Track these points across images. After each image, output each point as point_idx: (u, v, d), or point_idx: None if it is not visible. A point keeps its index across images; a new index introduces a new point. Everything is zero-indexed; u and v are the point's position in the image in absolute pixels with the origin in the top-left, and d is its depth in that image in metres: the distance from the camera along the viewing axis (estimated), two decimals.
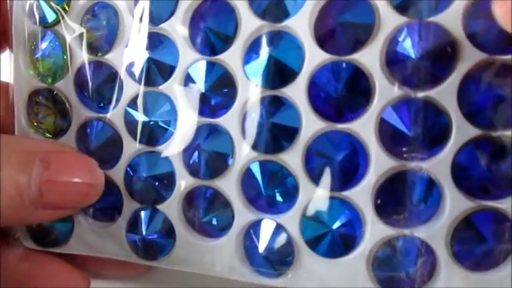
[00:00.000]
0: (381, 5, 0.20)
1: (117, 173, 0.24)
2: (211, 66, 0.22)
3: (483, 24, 0.19)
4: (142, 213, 0.24)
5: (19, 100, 0.25)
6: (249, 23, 0.21)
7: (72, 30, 0.24)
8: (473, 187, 0.20)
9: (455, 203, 0.20)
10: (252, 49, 0.22)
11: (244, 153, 0.22)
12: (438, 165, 0.20)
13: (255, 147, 0.22)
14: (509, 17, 0.17)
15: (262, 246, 0.22)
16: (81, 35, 0.24)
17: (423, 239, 0.20)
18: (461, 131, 0.19)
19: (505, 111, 0.19)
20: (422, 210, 0.20)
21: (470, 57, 0.19)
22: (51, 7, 0.24)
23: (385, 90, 0.20)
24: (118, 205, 0.25)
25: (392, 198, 0.21)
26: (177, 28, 0.23)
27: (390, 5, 0.20)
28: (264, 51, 0.21)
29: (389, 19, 0.20)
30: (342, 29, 0.20)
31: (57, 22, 0.25)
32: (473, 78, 0.19)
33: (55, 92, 0.25)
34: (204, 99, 0.23)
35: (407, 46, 0.19)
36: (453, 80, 0.19)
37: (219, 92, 0.22)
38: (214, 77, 0.22)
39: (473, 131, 0.19)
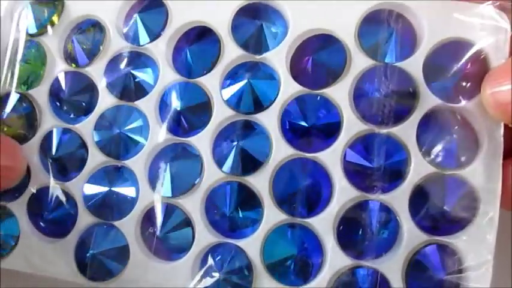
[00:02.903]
0: (352, 48, 0.21)
1: (77, 185, 0.23)
2: (188, 87, 0.23)
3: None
4: (97, 228, 0.23)
5: None
6: (231, 52, 0.23)
7: (56, 41, 0.25)
8: (428, 222, 0.20)
9: (411, 236, 0.20)
10: (230, 75, 0.23)
11: (212, 174, 0.22)
12: (397, 199, 0.20)
13: (224, 168, 0.22)
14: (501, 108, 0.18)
15: (220, 271, 0.22)
16: (64, 47, 0.25)
17: (380, 270, 0.20)
18: (418, 167, 0.20)
19: (455, 152, 0.20)
20: (381, 242, 0.21)
21: (427, 100, 0.21)
22: (40, 17, 0.25)
23: (352, 125, 0.21)
24: (71, 219, 0.23)
25: (353, 227, 0.21)
26: (160, 48, 0.23)
27: (360, 48, 0.21)
28: (243, 78, 0.22)
29: (359, 60, 0.21)
30: (315, 65, 0.22)
31: (42, 32, 0.25)
32: (430, 120, 0.21)
33: (27, 98, 0.24)
34: (178, 118, 0.23)
35: (374, 86, 0.21)
36: (414, 119, 0.21)
37: (194, 112, 0.23)
38: (190, 98, 0.23)
39: (429, 169, 0.20)
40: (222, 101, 0.22)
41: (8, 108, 0.24)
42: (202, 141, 0.22)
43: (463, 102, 0.20)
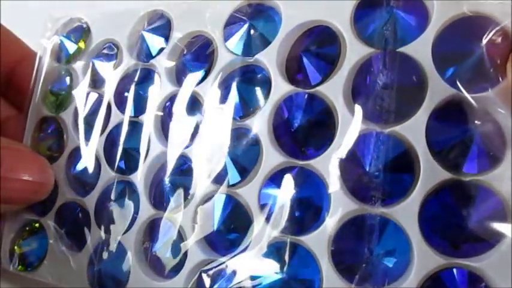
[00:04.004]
0: (347, 37, 0.19)
1: (91, 201, 0.24)
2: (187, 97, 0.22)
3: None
4: (103, 242, 0.23)
5: (30, 125, 0.27)
6: (223, 58, 0.21)
7: (81, 67, 0.26)
8: (444, 241, 0.16)
9: (423, 259, 0.16)
10: (222, 82, 0.21)
11: (203, 186, 0.21)
12: (403, 213, 0.17)
13: (215, 180, 0.21)
14: None
15: None
16: (87, 71, 0.26)
17: None
18: (429, 173, 0.17)
19: (475, 154, 0.16)
20: (384, 265, 0.17)
21: (438, 91, 0.17)
22: (69, 47, 0.27)
23: (348, 124, 0.18)
24: (87, 233, 0.24)
25: (349, 247, 0.18)
26: (163, 62, 0.23)
27: (356, 36, 0.18)
28: (233, 83, 0.21)
29: (354, 50, 0.18)
30: (309, 61, 0.19)
31: (71, 60, 0.26)
32: (442, 114, 0.17)
33: (57, 121, 0.26)
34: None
35: (371, 77, 0.18)
36: (421, 115, 0.17)
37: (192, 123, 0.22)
38: (188, 109, 0.22)
39: (443, 174, 0.16)
40: (215, 108, 0.21)
41: (42, 130, 0.26)
42: (196, 153, 0.21)
43: (484, 91, 0.16)
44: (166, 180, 0.21)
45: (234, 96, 0.21)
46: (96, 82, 0.25)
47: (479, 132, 0.16)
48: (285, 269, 0.18)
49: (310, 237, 0.18)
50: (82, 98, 0.25)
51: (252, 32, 0.21)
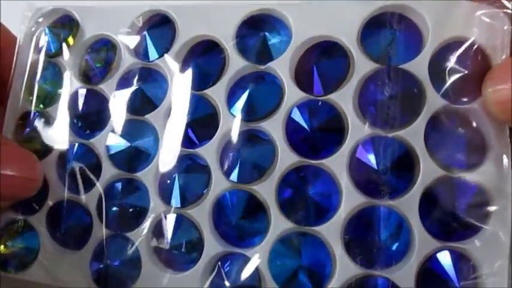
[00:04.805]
0: (355, 53, 0.21)
1: (92, 199, 0.24)
2: (195, 99, 0.23)
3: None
4: (111, 240, 0.23)
5: (9, 118, 0.26)
6: (235, 64, 0.23)
7: (72, 61, 0.26)
8: (439, 227, 0.20)
9: (422, 243, 0.20)
10: (235, 86, 0.23)
11: (219, 184, 0.22)
12: (406, 204, 0.20)
13: (231, 178, 0.22)
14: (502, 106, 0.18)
15: (229, 281, 0.22)
16: (79, 66, 0.26)
17: (392, 279, 0.20)
18: (427, 170, 0.20)
19: (464, 154, 0.20)
20: (391, 249, 0.20)
21: (434, 102, 0.20)
22: (56, 39, 0.26)
23: (357, 129, 0.21)
24: (87, 231, 0.24)
25: (360, 235, 0.20)
26: (168, 63, 0.24)
27: (363, 52, 0.21)
28: (247, 88, 0.22)
29: (362, 65, 0.21)
30: (319, 72, 0.22)
31: (59, 54, 0.26)
32: (437, 121, 0.20)
33: (45, 116, 0.26)
34: (185, 130, 0.23)
35: (378, 89, 0.21)
36: (420, 122, 0.20)
37: (201, 124, 0.23)
38: (197, 110, 0.23)
39: (438, 172, 0.20)
40: (227, 111, 0.22)
41: (27, 126, 0.26)
42: (209, 152, 0.22)
43: (468, 103, 0.20)
44: (178, 177, 0.23)
45: (246, 99, 0.22)
46: (92, 78, 0.25)
47: (467, 136, 0.20)
48: (300, 257, 0.21)
49: (324, 227, 0.21)
50: (75, 93, 0.25)
51: (263, 41, 0.23)
